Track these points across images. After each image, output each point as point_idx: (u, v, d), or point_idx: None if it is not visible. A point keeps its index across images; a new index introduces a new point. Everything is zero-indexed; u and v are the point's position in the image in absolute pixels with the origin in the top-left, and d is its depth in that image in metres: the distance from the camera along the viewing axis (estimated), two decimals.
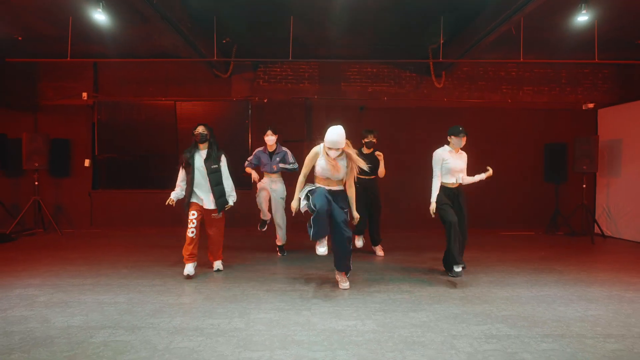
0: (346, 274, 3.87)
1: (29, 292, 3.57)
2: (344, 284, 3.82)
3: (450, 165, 4.29)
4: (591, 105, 7.35)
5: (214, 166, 4.19)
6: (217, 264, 4.47)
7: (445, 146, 4.39)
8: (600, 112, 7.34)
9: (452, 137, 4.32)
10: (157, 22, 4.97)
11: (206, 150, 4.24)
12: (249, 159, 5.22)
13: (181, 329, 2.80)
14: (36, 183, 6.79)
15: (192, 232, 4.10)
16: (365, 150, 5.23)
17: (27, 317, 2.99)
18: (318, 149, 3.73)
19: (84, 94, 7.30)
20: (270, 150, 5.07)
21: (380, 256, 5.31)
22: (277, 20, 5.72)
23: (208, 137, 4.25)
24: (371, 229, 5.34)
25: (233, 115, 7.43)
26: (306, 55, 6.82)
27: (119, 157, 7.38)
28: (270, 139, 5.00)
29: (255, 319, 3.01)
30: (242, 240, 6.20)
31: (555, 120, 7.45)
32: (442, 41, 5.55)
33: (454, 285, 3.96)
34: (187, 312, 3.13)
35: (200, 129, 4.21)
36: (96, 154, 7.38)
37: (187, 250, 4.10)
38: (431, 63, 6.81)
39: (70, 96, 7.32)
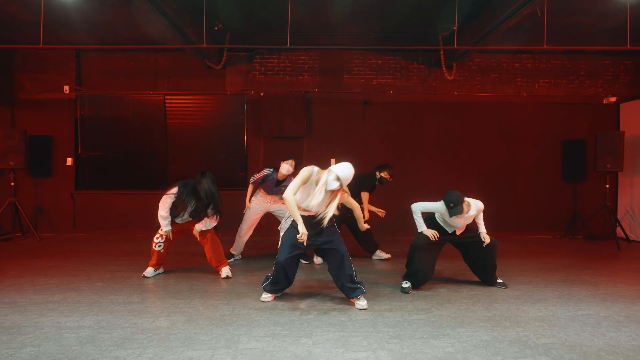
0: (357, 297, 3.28)
1: None
2: (360, 303, 3.25)
3: (446, 219, 3.69)
4: (613, 99, 6.82)
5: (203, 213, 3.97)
6: (225, 271, 4.12)
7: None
8: (623, 106, 6.82)
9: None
10: (140, 3, 4.43)
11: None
12: (256, 177, 4.64)
13: None
14: (12, 183, 6.25)
15: (160, 247, 3.99)
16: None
17: None
18: (313, 171, 3.12)
19: (66, 87, 6.76)
20: (281, 179, 4.62)
21: (387, 258, 5.02)
22: (274, 4, 5.19)
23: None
24: (360, 242, 5.01)
25: (227, 110, 6.90)
26: (306, 43, 6.28)
27: (104, 155, 6.85)
28: (288, 169, 4.52)
29: (244, 350, 2.48)
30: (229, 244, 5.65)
31: (573, 115, 6.93)
32: (456, 26, 5.01)
33: (476, 301, 3.44)
34: (163, 340, 2.59)
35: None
36: (79, 152, 6.84)
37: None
38: (442, 52, 6.27)
39: (51, 89, 6.77)
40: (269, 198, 4.75)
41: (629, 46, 4.91)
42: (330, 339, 2.64)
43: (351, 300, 3.32)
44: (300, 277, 4.15)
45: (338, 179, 3.04)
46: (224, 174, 6.63)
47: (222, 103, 6.92)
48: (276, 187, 4.66)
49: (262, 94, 6.73)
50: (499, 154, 6.93)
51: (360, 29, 6.24)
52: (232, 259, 4.84)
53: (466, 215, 3.59)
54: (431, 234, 3.66)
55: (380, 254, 5.08)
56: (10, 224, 6.53)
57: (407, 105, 6.89)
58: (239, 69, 6.86)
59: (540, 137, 6.93)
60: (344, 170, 3.06)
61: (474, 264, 3.93)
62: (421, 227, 3.71)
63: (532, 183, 6.92)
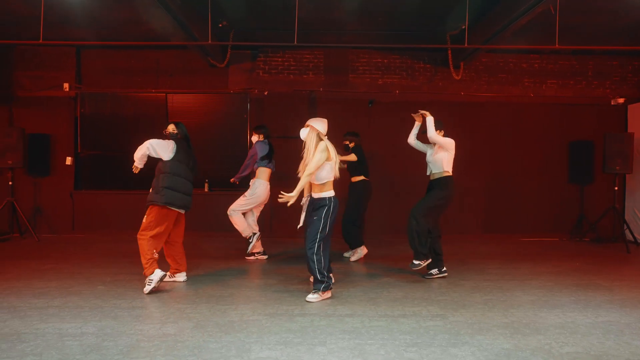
0: (315, 283, 3.41)
1: None
2: (310, 295, 3.38)
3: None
4: (621, 100, 6.74)
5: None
6: (183, 275, 3.98)
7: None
8: (631, 107, 6.74)
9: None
10: None
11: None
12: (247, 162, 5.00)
13: None
14: (10, 183, 6.10)
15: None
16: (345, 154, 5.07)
17: None
18: (325, 141, 3.39)
19: (66, 85, 6.60)
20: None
21: (351, 260, 4.98)
22: (279, 1, 5.08)
23: (179, 136, 3.90)
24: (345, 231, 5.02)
25: (230, 109, 6.78)
26: (311, 41, 6.16)
27: (104, 154, 6.71)
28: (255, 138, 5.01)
29: (257, 359, 2.37)
30: (233, 245, 5.53)
31: (581, 116, 6.84)
32: (467, 24, 4.92)
33: (491, 306, 3.33)
34: (171, 348, 2.48)
35: (170, 128, 3.97)
36: (79, 151, 6.69)
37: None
38: (450, 52, 6.17)
39: (50, 87, 6.62)
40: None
41: None
42: (345, 347, 2.53)
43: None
44: (304, 276, 4.05)
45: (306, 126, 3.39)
46: (226, 174, 6.48)
47: (225, 102, 6.80)
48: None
49: (266, 93, 6.61)
50: (506, 155, 6.84)
51: (368, 27, 6.13)
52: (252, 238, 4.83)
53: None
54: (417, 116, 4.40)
55: (350, 254, 5.05)
56: (8, 224, 6.38)
57: (413, 105, 6.67)
58: (242, 67, 6.73)
59: (547, 138, 6.84)
60: (321, 123, 3.40)
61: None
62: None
63: (538, 185, 6.83)
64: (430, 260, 4.08)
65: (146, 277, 3.50)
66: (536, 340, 2.67)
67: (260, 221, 5.15)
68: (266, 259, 4.96)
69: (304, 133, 3.39)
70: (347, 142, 5.14)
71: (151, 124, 6.69)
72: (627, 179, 6.74)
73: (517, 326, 2.91)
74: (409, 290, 3.75)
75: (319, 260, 3.33)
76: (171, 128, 3.95)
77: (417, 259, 4.02)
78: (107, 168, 6.71)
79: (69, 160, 6.63)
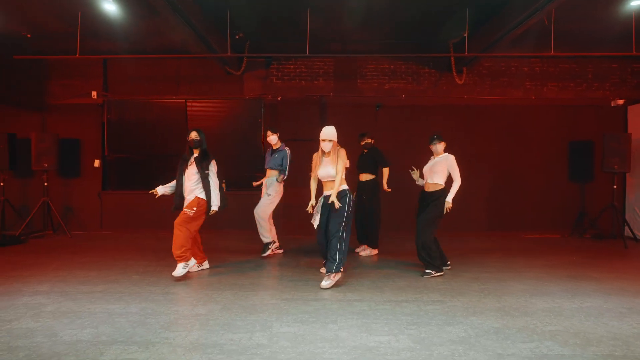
0: (330, 272, 3.87)
1: (35, 301, 3.37)
2: (324, 282, 3.84)
3: (425, 168, 4.57)
4: (621, 102, 6.98)
5: (206, 171, 4.23)
6: (207, 264, 4.52)
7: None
8: (630, 108, 6.98)
9: (429, 145, 4.54)
10: (168, 15, 4.76)
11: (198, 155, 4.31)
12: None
13: (199, 345, 2.56)
14: (45, 184, 6.63)
15: None
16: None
17: (34, 330, 2.78)
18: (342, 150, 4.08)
19: (94, 93, 7.13)
20: (275, 148, 5.27)
21: (360, 255, 5.30)
22: (292, 15, 5.48)
23: (201, 143, 4.31)
24: (365, 230, 5.38)
25: (245, 113, 7.21)
26: (320, 50, 6.56)
27: (129, 157, 7.20)
28: (272, 139, 5.23)
29: (278, 333, 2.77)
30: (249, 241, 5.95)
31: (581, 117, 7.10)
32: (466, 33, 5.25)
33: (487, 293, 3.68)
34: (204, 325, 2.90)
35: (193, 135, 4.28)
36: (106, 154, 7.20)
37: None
38: (452, 58, 6.51)
39: (80, 95, 7.15)
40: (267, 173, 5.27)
41: (634, 52, 5.10)
42: (354, 325, 2.91)
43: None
44: (317, 268, 4.43)
45: (323, 139, 3.99)
46: (242, 175, 6.92)
47: (240, 107, 7.23)
48: (271, 160, 5.17)
49: (279, 99, 7.03)
50: (508, 155, 7.14)
51: (373, 36, 6.50)
52: (266, 252, 5.12)
53: (440, 158, 4.41)
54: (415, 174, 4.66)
55: (360, 249, 5.40)
56: (42, 222, 6.91)
57: (419, 109, 7.13)
58: (257, 74, 7.17)
59: (549, 139, 7.11)
60: (327, 130, 4.01)
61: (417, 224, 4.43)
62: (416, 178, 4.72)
63: (539, 183, 7.11)
64: (442, 272, 4.31)
65: (181, 262, 3.96)
66: (523, 321, 3.02)
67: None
68: (282, 252, 5.36)
69: (328, 147, 4.00)
70: (369, 140, 5.46)
71: (172, 129, 7.17)
72: (627, 178, 6.98)
73: (507, 310, 3.26)
74: (413, 280, 4.11)
75: (345, 244, 3.86)
76: (194, 135, 4.33)
77: (428, 269, 4.28)
78: (132, 170, 7.20)
79: (97, 163, 7.15)
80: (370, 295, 3.62)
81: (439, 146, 4.46)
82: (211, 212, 4.17)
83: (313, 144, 6.98)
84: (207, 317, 3.05)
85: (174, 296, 3.54)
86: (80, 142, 7.16)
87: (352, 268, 4.59)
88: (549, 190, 7.12)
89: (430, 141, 4.51)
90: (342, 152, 4.00)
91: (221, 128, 7.18)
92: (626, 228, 6.47)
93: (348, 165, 4.72)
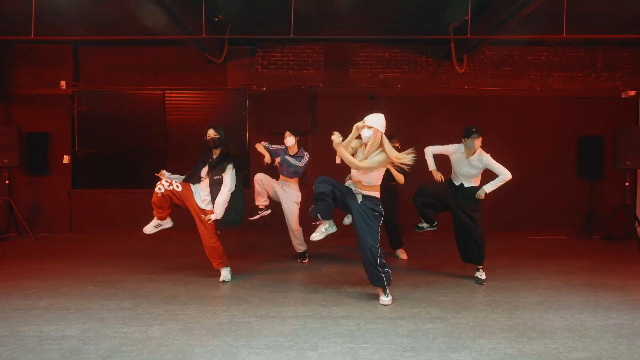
0: (382, 289, 3.25)
1: None
2: (383, 298, 3.25)
3: (454, 166, 3.96)
4: (632, 93, 6.49)
5: (217, 177, 3.71)
6: (222, 274, 3.87)
7: (461, 145, 3.94)
8: None
9: (464, 138, 3.85)
10: None
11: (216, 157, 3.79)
12: (273, 147, 4.66)
13: None
14: (7, 182, 6.05)
15: (159, 189, 3.65)
16: None
17: None
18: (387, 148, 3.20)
19: (63, 83, 6.54)
20: (292, 153, 4.56)
21: (403, 259, 4.90)
22: None
23: (222, 142, 3.81)
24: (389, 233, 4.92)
25: (228, 105, 6.66)
26: (310, 35, 6.02)
27: (102, 152, 6.63)
28: (291, 141, 4.55)
29: None
30: (236, 243, 5.41)
31: (590, 109, 6.61)
32: (469, 14, 4.73)
33: (495, 307, 3.17)
34: (153, 352, 2.36)
35: (212, 133, 3.80)
36: (76, 149, 6.61)
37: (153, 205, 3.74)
38: (452, 43, 5.98)
39: (48, 85, 6.55)
40: (282, 180, 4.60)
41: None
42: (338, 352, 2.39)
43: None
44: (301, 277, 3.92)
45: (369, 127, 3.14)
46: None
47: (223, 98, 6.68)
48: (290, 166, 4.49)
49: (264, 89, 6.48)
50: (512, 151, 6.57)
51: (367, 20, 5.96)
52: (305, 259, 4.66)
53: (474, 158, 3.81)
54: (439, 176, 3.96)
55: (399, 253, 4.95)
56: (6, 224, 6.33)
57: (416, 100, 6.61)
58: (240, 63, 6.61)
59: (555, 133, 6.62)
60: (372, 116, 3.16)
61: (458, 239, 3.96)
62: (431, 166, 4.05)
63: (546, 181, 6.62)
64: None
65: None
66: (542, 345, 2.51)
67: (265, 220, 4.99)
68: (269, 214, 4.69)
69: (367, 134, 3.17)
70: (397, 145, 4.57)
71: (148, 122, 6.61)
72: (638, 175, 6.51)
73: (522, 329, 2.75)
74: (409, 291, 3.60)
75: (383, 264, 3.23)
76: (212, 133, 3.81)
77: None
78: (105, 166, 6.64)
79: (66, 159, 6.56)
80: (360, 310, 3.10)
81: (478, 142, 3.76)
82: (208, 219, 3.67)
83: (302, 138, 6.49)
84: (160, 341, 2.51)
85: (127, 313, 2.99)
86: (48, 136, 6.57)
87: (339, 276, 4.07)
88: (556, 188, 6.62)
89: (468, 134, 3.74)
90: (382, 157, 3.16)
91: (202, 121, 6.61)
92: (638, 228, 5.99)
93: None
